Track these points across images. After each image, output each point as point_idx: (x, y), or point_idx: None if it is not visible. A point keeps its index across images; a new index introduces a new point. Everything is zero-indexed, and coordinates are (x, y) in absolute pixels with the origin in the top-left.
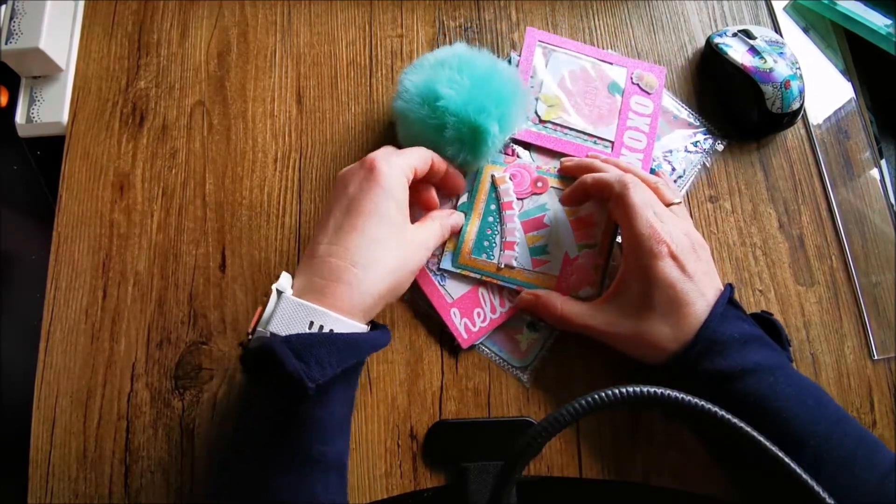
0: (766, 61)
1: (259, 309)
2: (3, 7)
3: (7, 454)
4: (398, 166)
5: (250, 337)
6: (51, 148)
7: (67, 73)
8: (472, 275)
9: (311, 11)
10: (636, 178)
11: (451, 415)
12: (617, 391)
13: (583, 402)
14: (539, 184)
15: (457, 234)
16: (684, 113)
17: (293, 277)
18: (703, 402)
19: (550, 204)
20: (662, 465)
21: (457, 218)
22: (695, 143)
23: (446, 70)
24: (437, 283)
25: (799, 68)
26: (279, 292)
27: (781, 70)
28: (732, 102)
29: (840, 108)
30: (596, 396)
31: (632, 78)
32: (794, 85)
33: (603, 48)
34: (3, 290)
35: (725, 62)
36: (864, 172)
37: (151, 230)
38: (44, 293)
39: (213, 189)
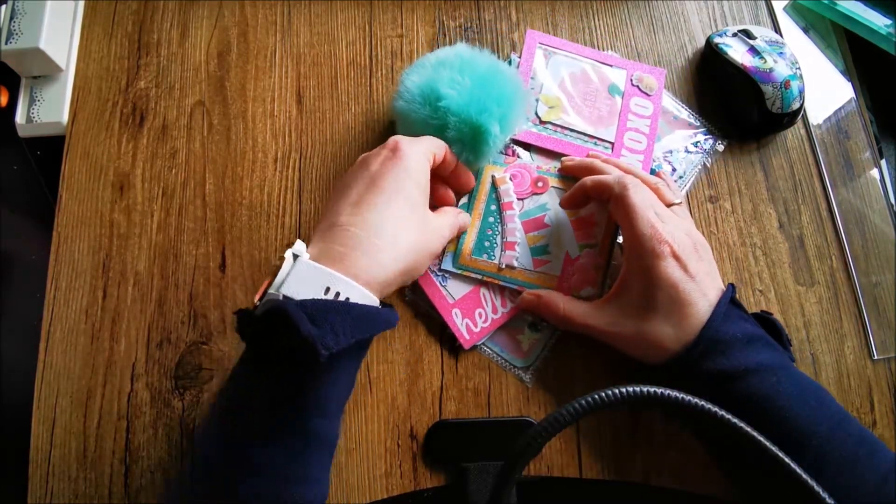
0: (766, 61)
1: (266, 281)
2: (3, 7)
3: (7, 454)
4: (421, 150)
5: (257, 304)
6: (51, 148)
7: (67, 73)
8: (473, 275)
9: (311, 11)
10: (636, 179)
11: (451, 415)
12: (617, 391)
13: (583, 402)
14: (539, 184)
15: (458, 235)
16: (684, 113)
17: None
18: (703, 402)
19: (551, 204)
20: (662, 465)
21: (465, 217)
22: (695, 144)
23: (447, 70)
24: (438, 283)
25: (799, 68)
26: (295, 255)
27: (781, 70)
28: (732, 102)
29: (840, 108)
30: (596, 396)
31: (631, 80)
32: (794, 85)
33: (603, 48)
34: (3, 290)
35: (725, 62)
36: (864, 172)
37: (151, 230)
38: (44, 293)
39: (213, 189)
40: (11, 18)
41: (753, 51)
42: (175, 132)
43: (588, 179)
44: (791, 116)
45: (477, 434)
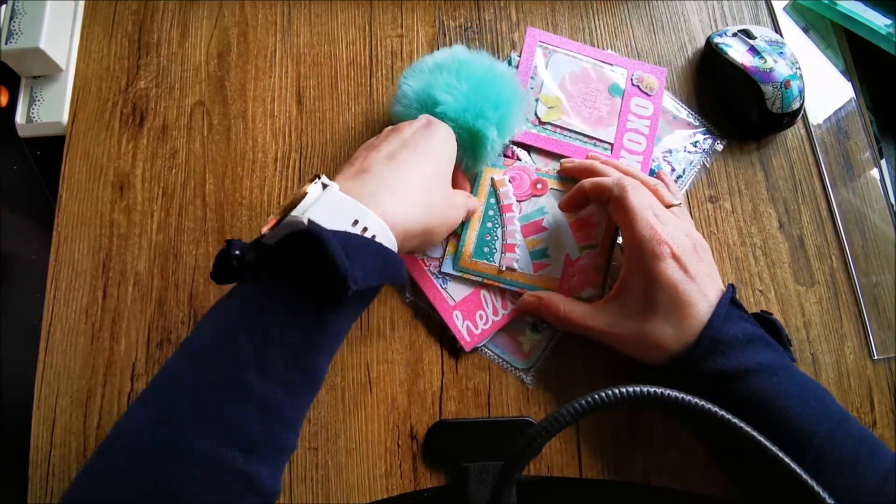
0: (766, 61)
1: (273, 218)
2: (3, 7)
3: (7, 454)
4: (450, 131)
5: (263, 234)
6: (51, 148)
7: (67, 73)
8: (473, 278)
9: (311, 11)
10: (635, 181)
11: (451, 415)
12: (617, 391)
13: (583, 402)
14: (539, 185)
15: (457, 238)
16: (684, 113)
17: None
18: (703, 402)
19: (549, 207)
20: (662, 465)
21: (475, 201)
22: (694, 143)
23: (444, 75)
24: (438, 285)
25: (799, 68)
26: (324, 185)
27: (781, 70)
28: (732, 102)
29: (840, 108)
30: (596, 396)
31: (632, 79)
32: (794, 85)
33: (603, 48)
34: (3, 290)
35: (725, 62)
36: (864, 172)
37: (151, 230)
38: (44, 293)
39: (213, 189)
40: (11, 18)
41: (753, 51)
42: (175, 132)
43: (587, 182)
44: (791, 116)
45: (477, 434)
